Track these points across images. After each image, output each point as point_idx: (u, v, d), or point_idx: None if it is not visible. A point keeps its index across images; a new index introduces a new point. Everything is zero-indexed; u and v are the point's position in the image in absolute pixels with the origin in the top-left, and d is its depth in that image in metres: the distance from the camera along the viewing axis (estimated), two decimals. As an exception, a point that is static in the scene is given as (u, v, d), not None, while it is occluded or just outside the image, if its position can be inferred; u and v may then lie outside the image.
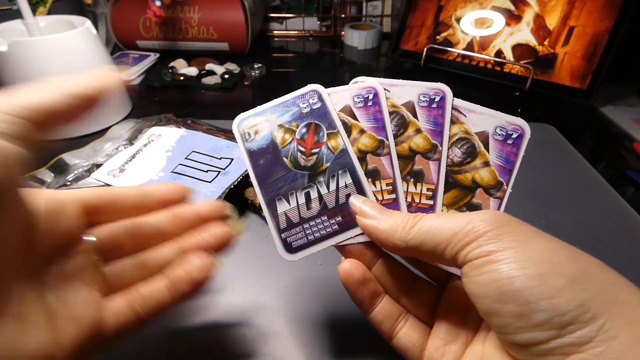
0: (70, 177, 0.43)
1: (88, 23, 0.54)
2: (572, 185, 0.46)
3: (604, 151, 0.55)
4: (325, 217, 0.25)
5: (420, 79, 0.26)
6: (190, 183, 0.40)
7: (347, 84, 0.26)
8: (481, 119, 0.25)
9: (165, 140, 0.47)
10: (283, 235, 0.25)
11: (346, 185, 0.25)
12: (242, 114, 0.26)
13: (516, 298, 0.17)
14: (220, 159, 0.44)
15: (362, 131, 0.26)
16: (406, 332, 0.24)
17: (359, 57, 0.85)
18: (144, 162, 0.44)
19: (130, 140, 0.49)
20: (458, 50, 0.72)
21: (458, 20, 0.73)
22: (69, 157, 0.46)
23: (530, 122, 0.25)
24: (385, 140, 0.26)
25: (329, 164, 0.26)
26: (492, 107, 0.25)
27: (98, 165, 0.45)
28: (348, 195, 0.25)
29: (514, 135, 0.25)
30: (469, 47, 0.71)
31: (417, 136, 0.26)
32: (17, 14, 0.52)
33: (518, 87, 0.67)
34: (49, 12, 0.66)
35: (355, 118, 0.26)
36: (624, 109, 0.64)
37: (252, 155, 0.26)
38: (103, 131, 0.54)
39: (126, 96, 0.61)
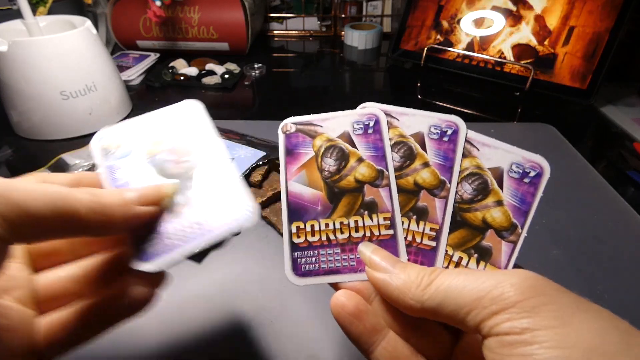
0: (70, 177, 0.43)
1: (88, 23, 0.54)
2: (572, 185, 0.46)
3: (604, 151, 0.55)
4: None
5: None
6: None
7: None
8: (496, 153, 0.23)
9: (165, 140, 0.47)
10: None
11: None
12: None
13: None
14: (220, 159, 0.44)
15: (360, 160, 0.24)
16: None
17: (359, 57, 0.84)
18: (144, 162, 0.44)
19: (130, 140, 0.49)
20: (458, 50, 0.72)
21: (458, 20, 0.73)
22: (69, 157, 0.46)
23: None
24: (385, 170, 0.24)
25: None
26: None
27: (98, 165, 0.45)
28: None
29: (532, 174, 0.23)
30: (469, 47, 0.71)
31: (424, 170, 0.24)
32: (17, 14, 0.52)
33: (518, 87, 0.67)
34: (49, 12, 0.66)
35: (354, 145, 0.24)
36: (624, 109, 0.64)
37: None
38: (103, 131, 0.54)
39: (126, 96, 0.61)
